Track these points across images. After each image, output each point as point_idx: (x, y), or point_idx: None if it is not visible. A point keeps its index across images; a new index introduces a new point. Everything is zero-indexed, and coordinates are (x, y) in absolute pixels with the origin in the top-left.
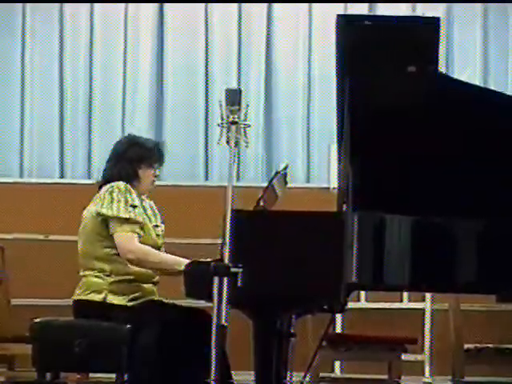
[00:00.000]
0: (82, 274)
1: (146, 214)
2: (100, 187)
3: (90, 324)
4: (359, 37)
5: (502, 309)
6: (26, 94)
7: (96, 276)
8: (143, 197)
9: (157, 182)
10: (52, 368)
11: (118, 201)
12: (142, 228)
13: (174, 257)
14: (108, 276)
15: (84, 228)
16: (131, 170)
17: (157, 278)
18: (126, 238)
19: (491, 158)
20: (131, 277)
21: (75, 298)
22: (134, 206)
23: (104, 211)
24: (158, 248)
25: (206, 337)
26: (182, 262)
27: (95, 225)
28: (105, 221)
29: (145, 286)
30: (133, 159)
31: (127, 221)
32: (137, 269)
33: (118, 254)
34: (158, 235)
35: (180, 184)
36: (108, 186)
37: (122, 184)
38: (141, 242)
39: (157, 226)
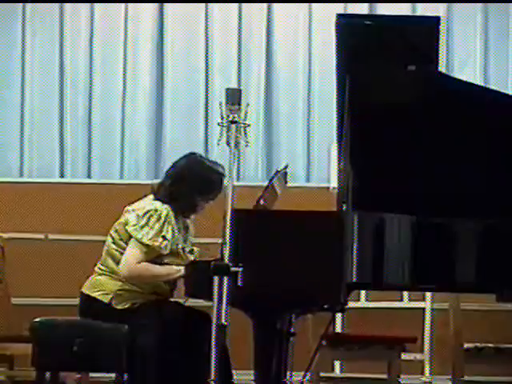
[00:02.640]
0: (97, 268)
1: (185, 240)
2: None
3: (89, 324)
4: (359, 36)
5: (501, 308)
6: (26, 94)
7: (109, 276)
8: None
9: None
10: (52, 367)
11: (151, 228)
12: (168, 255)
13: (167, 267)
14: (121, 281)
15: (118, 227)
16: (187, 199)
17: (171, 293)
18: (130, 259)
19: (491, 158)
20: (140, 290)
21: (83, 290)
22: (165, 238)
23: (131, 230)
24: None
25: (205, 336)
26: (176, 271)
27: (126, 232)
28: (130, 236)
29: (156, 296)
30: (192, 188)
31: (146, 247)
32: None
33: None
34: (187, 252)
35: None
36: (153, 206)
37: (165, 212)
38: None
39: (191, 252)
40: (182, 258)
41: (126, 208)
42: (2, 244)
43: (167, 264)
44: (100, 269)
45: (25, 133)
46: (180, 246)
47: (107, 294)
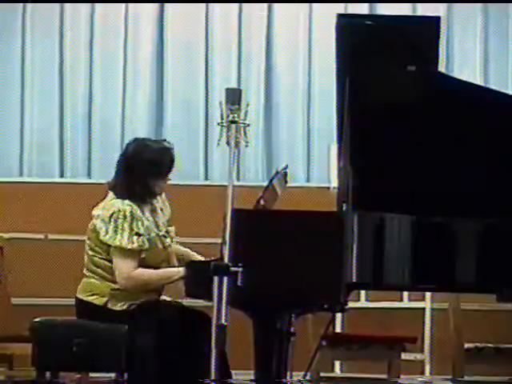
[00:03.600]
0: (85, 271)
1: (156, 225)
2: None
3: (89, 324)
4: (359, 37)
5: (501, 308)
6: (26, 94)
7: (98, 280)
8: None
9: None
10: (51, 367)
11: (123, 229)
12: (148, 249)
13: (165, 270)
14: (111, 282)
15: (90, 234)
16: (142, 187)
17: (163, 289)
18: (123, 269)
19: (491, 158)
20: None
21: (78, 295)
22: (139, 235)
23: (107, 239)
24: (168, 261)
25: (205, 336)
26: (176, 273)
27: (97, 239)
28: (108, 245)
29: (150, 294)
30: (143, 175)
31: (129, 251)
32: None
33: None
34: (166, 246)
35: (180, 184)
36: (115, 207)
37: (128, 209)
38: (146, 264)
39: (166, 235)
40: (158, 246)
41: (92, 212)
42: (2, 244)
43: (145, 257)
44: (87, 273)
45: (25, 133)
46: (153, 235)
47: (102, 296)
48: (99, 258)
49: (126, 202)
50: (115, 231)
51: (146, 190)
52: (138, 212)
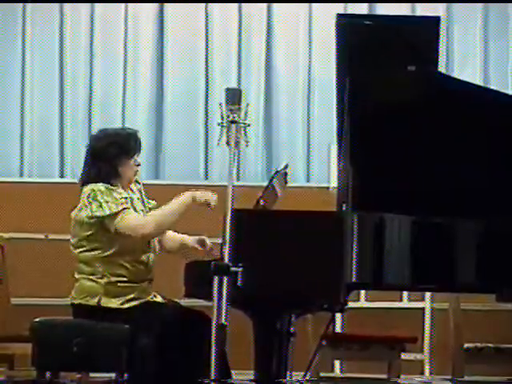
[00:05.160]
0: (76, 276)
1: (133, 205)
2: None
3: (89, 323)
4: (359, 37)
5: (501, 308)
6: (26, 94)
7: (89, 279)
8: (131, 187)
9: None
10: (52, 367)
11: (106, 201)
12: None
13: (175, 202)
14: (101, 278)
15: (72, 232)
16: (111, 169)
17: (151, 275)
18: (133, 223)
19: (491, 158)
20: (125, 278)
21: (71, 301)
22: (123, 197)
23: (97, 214)
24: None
25: (204, 336)
26: (185, 200)
27: (84, 230)
28: (100, 223)
29: (139, 285)
30: (110, 158)
31: (123, 210)
32: (130, 268)
33: (110, 255)
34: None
35: (180, 183)
36: (88, 189)
37: (102, 186)
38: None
39: (149, 210)
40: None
41: (71, 214)
42: (2, 244)
43: None
44: (78, 276)
45: (25, 133)
46: (139, 208)
47: (93, 296)
48: (84, 251)
49: (99, 184)
50: (100, 205)
51: (113, 172)
52: (114, 187)
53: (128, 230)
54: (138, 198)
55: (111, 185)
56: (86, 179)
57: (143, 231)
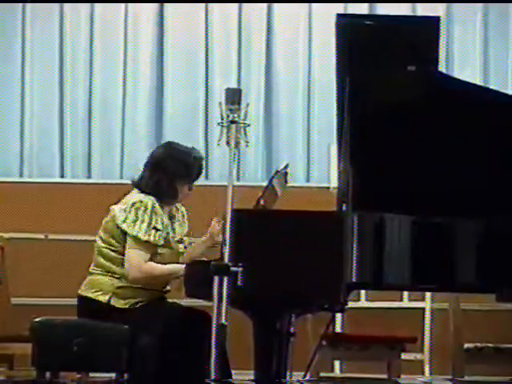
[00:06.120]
0: (91, 268)
1: (173, 229)
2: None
3: (89, 323)
4: (359, 37)
5: (501, 308)
6: (26, 95)
7: (104, 275)
8: (176, 205)
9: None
10: (52, 367)
11: (142, 221)
12: (163, 246)
13: (173, 266)
14: (117, 279)
15: (105, 225)
16: (168, 186)
17: (168, 288)
18: (135, 260)
19: (491, 158)
20: (139, 285)
21: (81, 293)
22: (157, 230)
23: (125, 227)
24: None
25: (205, 336)
26: (180, 269)
27: (114, 228)
28: (124, 233)
29: (151, 292)
30: (173, 175)
31: (145, 243)
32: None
33: None
34: (179, 253)
35: None
36: (137, 198)
37: (150, 203)
38: (158, 261)
39: (180, 241)
40: (172, 247)
41: (111, 207)
42: (2, 244)
43: (160, 255)
44: (94, 269)
45: (25, 133)
46: (171, 235)
47: (105, 293)
48: (111, 250)
49: (150, 197)
50: (134, 221)
51: (170, 190)
52: (159, 209)
53: (127, 260)
54: (178, 220)
55: (161, 201)
56: (140, 183)
57: (134, 275)
